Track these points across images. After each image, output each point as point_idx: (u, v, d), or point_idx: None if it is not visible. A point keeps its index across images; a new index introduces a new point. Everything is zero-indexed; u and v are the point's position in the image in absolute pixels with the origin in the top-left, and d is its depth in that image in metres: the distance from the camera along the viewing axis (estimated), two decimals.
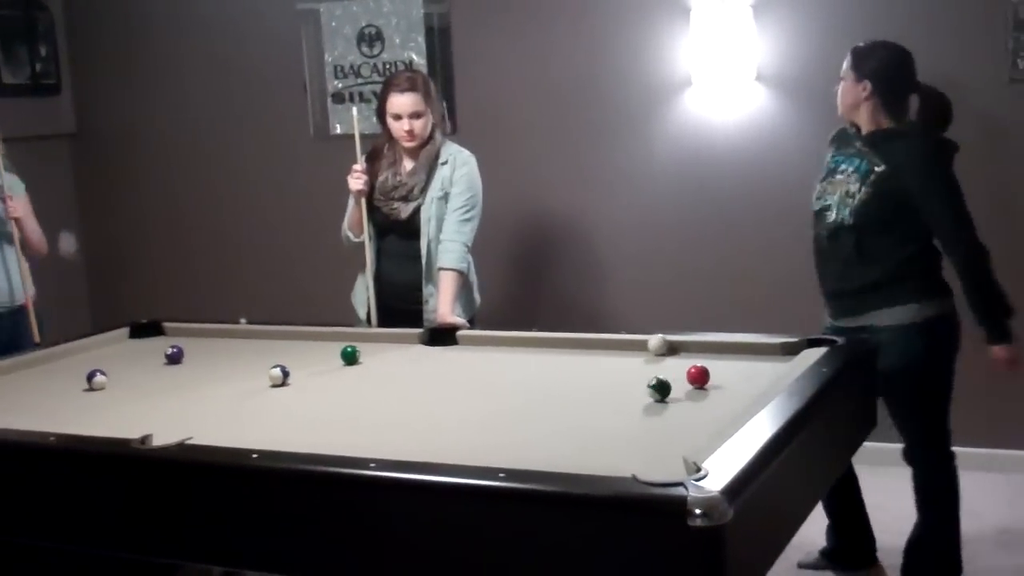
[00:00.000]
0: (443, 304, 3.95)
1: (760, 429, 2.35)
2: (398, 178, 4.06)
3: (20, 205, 4.47)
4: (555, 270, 5.07)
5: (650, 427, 2.64)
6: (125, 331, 4.03)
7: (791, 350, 3.11)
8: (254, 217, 5.83)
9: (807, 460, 2.50)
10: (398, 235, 4.10)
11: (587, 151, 5.03)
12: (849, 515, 3.76)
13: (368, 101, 5.22)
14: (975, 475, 3.92)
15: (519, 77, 5.09)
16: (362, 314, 4.18)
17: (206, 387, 3.23)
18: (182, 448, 2.47)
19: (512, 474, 2.12)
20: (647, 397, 2.79)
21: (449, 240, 4.02)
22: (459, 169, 4.05)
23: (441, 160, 4.06)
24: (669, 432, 2.54)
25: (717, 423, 2.44)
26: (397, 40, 5.19)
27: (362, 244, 4.13)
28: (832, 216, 3.48)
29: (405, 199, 4.05)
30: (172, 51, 5.85)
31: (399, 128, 4.02)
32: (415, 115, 3.98)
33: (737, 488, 2.01)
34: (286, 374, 3.16)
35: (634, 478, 2.05)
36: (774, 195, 4.68)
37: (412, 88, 3.98)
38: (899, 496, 3.67)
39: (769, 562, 2.30)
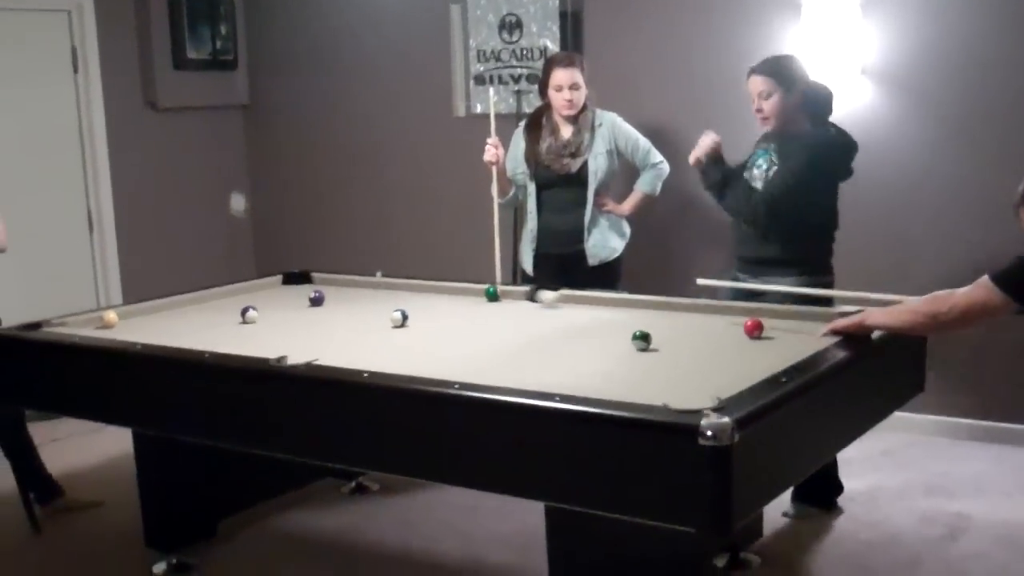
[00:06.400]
0: (623, 206, 4.79)
1: (785, 379, 2.76)
2: (565, 139, 4.70)
3: None
4: (666, 238, 5.45)
5: (700, 369, 3.06)
6: (279, 278, 4.65)
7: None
8: (399, 183, 6.37)
9: (822, 410, 2.87)
10: (563, 187, 4.72)
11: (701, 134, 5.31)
12: None
13: (506, 83, 5.70)
14: None
15: (643, 62, 5.46)
16: (527, 264, 4.84)
17: (338, 324, 3.81)
18: (309, 367, 3.03)
19: (565, 398, 2.61)
20: (706, 347, 3.24)
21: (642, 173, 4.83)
22: (617, 128, 4.74)
23: (597, 123, 4.74)
24: (713, 373, 2.95)
25: (759, 369, 2.83)
26: (534, 28, 5.65)
27: (507, 204, 4.95)
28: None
29: (573, 155, 4.68)
30: (335, 33, 6.41)
31: (560, 98, 4.68)
32: (574, 86, 4.67)
33: (746, 420, 2.44)
34: (405, 317, 3.69)
35: (665, 406, 2.51)
36: (876, 186, 4.82)
37: (571, 64, 4.71)
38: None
39: (775, 489, 2.71)
